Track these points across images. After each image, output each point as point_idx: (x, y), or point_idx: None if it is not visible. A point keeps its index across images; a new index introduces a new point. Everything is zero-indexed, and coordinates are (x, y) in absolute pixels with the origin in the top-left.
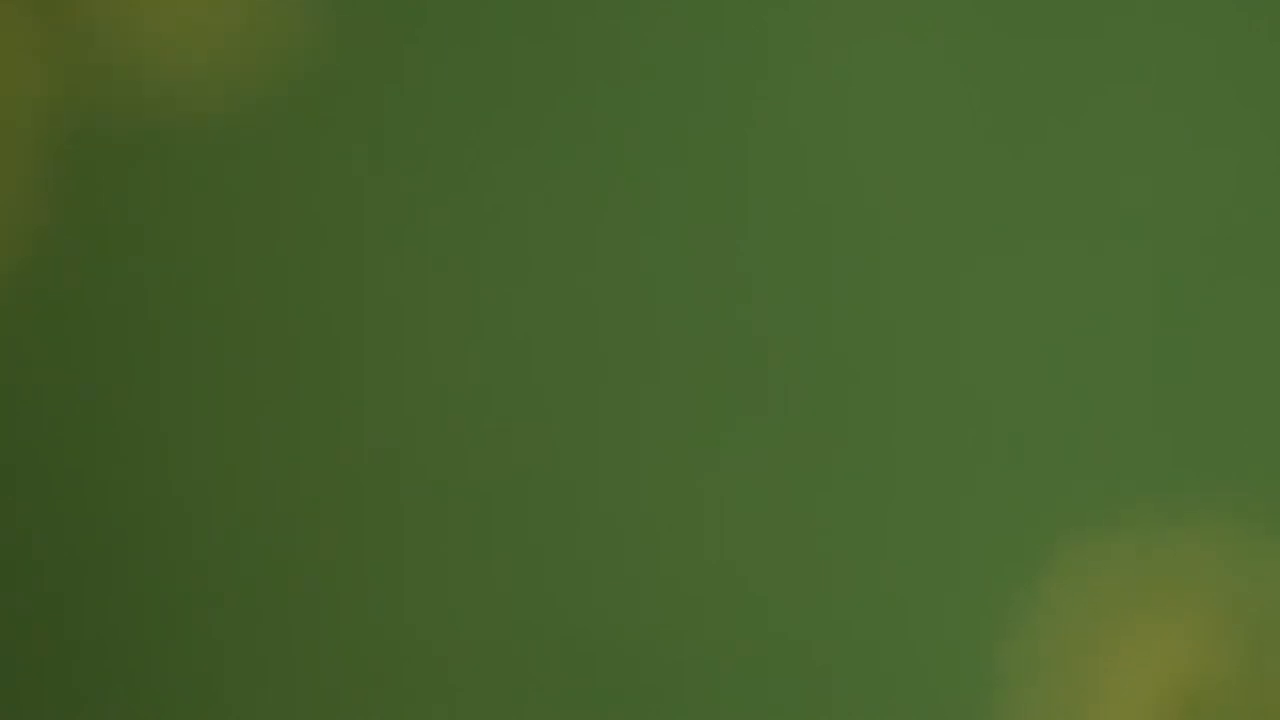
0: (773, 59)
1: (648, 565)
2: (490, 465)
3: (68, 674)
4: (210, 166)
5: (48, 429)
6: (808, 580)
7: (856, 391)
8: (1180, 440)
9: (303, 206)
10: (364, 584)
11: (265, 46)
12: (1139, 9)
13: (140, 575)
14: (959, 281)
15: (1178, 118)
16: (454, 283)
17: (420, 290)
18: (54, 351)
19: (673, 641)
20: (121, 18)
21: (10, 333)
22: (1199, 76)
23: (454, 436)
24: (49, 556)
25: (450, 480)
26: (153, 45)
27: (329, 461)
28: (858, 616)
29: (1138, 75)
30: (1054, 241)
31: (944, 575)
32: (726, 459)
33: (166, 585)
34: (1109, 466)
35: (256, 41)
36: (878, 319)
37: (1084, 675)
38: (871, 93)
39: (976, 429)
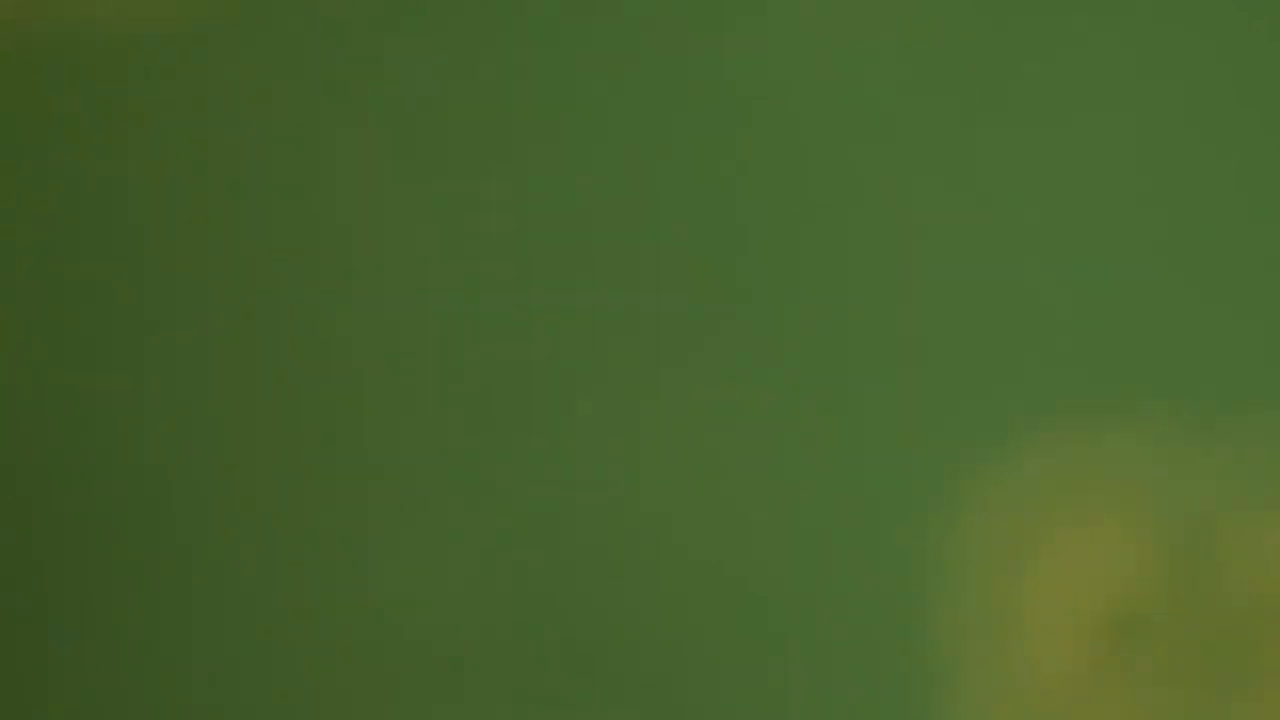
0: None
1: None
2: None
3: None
4: (156, 77)
5: None
6: (721, 489)
7: (805, 292)
8: (1112, 340)
9: (252, 114)
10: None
11: None
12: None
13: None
14: (911, 184)
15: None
16: (420, 234)
17: (381, 232)
18: None
19: (628, 604)
20: None
21: None
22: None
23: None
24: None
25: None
26: None
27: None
28: (781, 532)
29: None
30: (1003, 145)
31: (875, 479)
32: (675, 387)
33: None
34: (1041, 367)
35: None
36: (830, 219)
37: (1015, 575)
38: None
39: (909, 330)
